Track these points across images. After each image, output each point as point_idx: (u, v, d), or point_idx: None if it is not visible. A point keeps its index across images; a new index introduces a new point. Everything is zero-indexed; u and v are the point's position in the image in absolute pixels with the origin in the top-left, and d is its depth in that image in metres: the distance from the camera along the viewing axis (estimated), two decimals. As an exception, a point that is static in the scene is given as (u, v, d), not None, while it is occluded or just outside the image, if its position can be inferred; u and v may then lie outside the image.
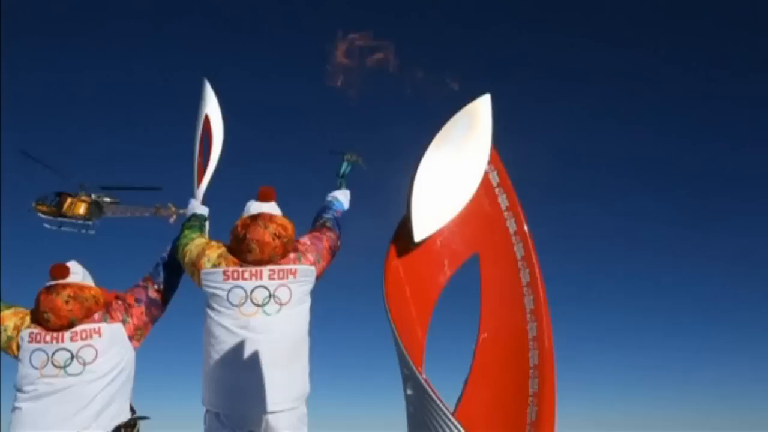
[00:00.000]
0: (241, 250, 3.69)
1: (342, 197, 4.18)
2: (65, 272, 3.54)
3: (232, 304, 3.64)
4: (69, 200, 22.52)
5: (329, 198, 4.18)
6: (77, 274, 3.58)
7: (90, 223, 22.80)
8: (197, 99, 4.25)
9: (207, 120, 4.18)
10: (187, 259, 3.79)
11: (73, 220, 22.56)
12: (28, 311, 3.57)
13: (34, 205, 22.44)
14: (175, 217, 21.74)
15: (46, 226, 22.63)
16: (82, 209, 22.64)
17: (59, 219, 22.53)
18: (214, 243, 3.86)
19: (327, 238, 3.92)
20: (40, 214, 22.48)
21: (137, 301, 3.74)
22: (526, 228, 3.59)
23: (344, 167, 4.22)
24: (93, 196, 22.85)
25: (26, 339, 3.48)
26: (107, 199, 23.10)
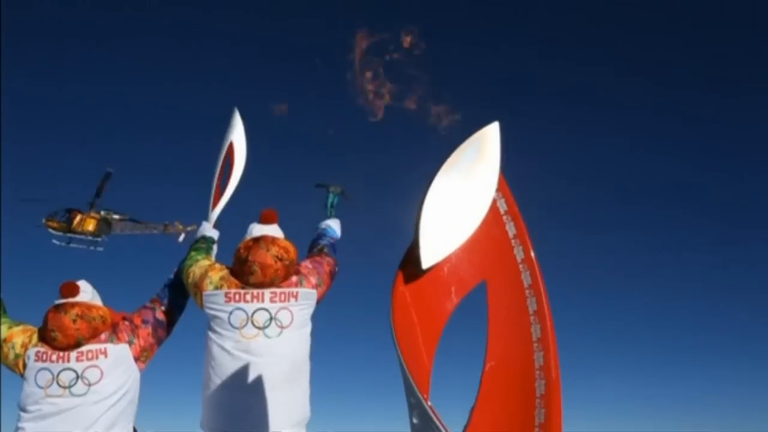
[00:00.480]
0: (243, 272, 3.69)
1: (335, 225, 4.29)
2: (75, 291, 3.54)
3: (233, 327, 3.64)
4: (79, 217, 22.97)
5: (322, 226, 4.28)
6: (86, 293, 3.58)
7: (99, 239, 23.15)
8: (225, 126, 4.31)
9: (231, 147, 4.24)
10: (190, 280, 3.80)
11: (82, 237, 22.77)
12: (36, 329, 3.57)
13: (44, 220, 22.84)
14: (183, 235, 21.88)
15: (55, 242, 23.16)
16: (91, 226, 23.08)
17: (68, 235, 22.85)
18: (217, 265, 3.87)
19: (326, 263, 3.94)
20: (50, 230, 22.70)
21: (144, 322, 3.73)
22: (533, 256, 3.58)
23: (331, 198, 4.37)
24: (102, 212, 23.04)
25: (32, 357, 3.47)
26: (116, 216, 23.43)
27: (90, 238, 23.03)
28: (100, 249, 23.30)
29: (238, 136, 4.36)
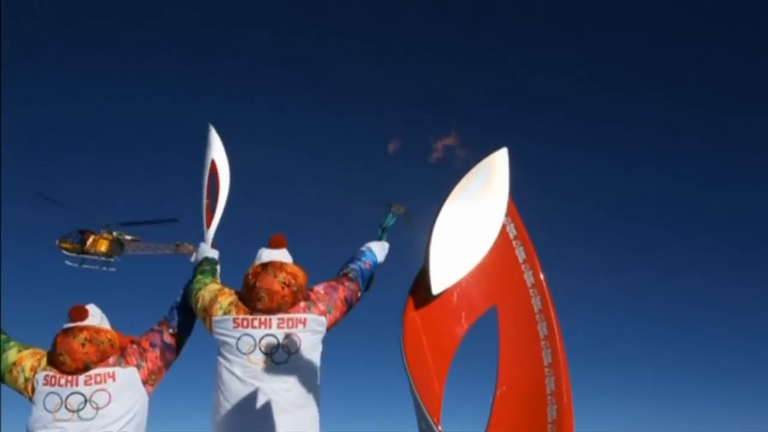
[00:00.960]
0: (251, 298, 3.70)
1: (378, 249, 4.12)
2: (84, 314, 3.56)
3: (241, 352, 3.65)
4: (91, 238, 23.29)
5: (363, 248, 4.12)
6: (95, 316, 3.60)
7: (111, 260, 23.38)
8: (204, 145, 4.32)
9: (213, 164, 4.25)
10: (199, 305, 3.81)
11: (95, 257, 22.82)
12: (45, 353, 3.59)
13: (57, 242, 23.04)
14: (195, 254, 21.99)
15: (68, 263, 23.51)
16: (103, 247, 23.35)
17: (81, 256, 22.96)
18: (226, 290, 3.87)
19: (344, 289, 3.89)
20: (64, 251, 22.82)
21: (152, 345, 3.74)
22: (543, 280, 3.57)
23: (388, 219, 4.16)
24: (115, 233, 23.18)
25: (41, 381, 3.48)
26: (128, 237, 23.67)
27: (103, 258, 23.33)
28: (112, 269, 23.71)
29: (218, 152, 4.35)
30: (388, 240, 4.17)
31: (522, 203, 3.71)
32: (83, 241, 23.27)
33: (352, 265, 4.02)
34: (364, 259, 4.07)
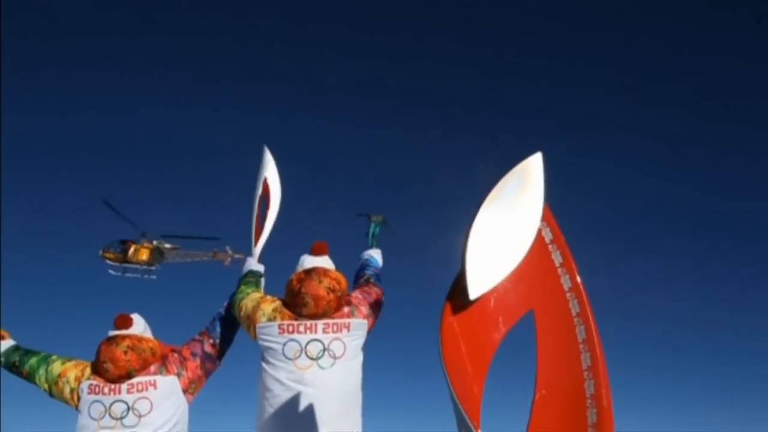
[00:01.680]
0: (296, 303, 3.78)
1: (376, 255, 4.36)
2: (128, 323, 3.69)
3: (287, 358, 3.72)
4: (133, 247, 24.22)
5: (365, 256, 4.34)
6: (139, 325, 3.73)
7: (152, 268, 23.97)
8: (257, 164, 4.45)
9: (266, 184, 4.37)
10: (242, 313, 3.90)
11: (137, 266, 23.39)
12: (88, 363, 3.73)
13: (101, 252, 23.81)
14: (230, 260, 22.45)
15: (111, 272, 24.54)
16: (144, 255, 24.20)
17: (124, 265, 23.58)
18: (269, 297, 3.97)
19: (374, 293, 4.02)
20: (107, 261, 23.50)
21: (193, 354, 3.85)
22: (580, 283, 3.54)
23: (372, 228, 4.42)
24: (155, 242, 23.74)
25: (86, 390, 3.62)
26: (168, 245, 24.12)
27: (144, 267, 24.04)
28: (153, 277, 24.48)
29: (271, 173, 4.49)
30: (378, 246, 4.41)
31: (557, 207, 3.70)
32: (125, 251, 24.13)
33: (368, 272, 4.19)
34: (371, 265, 4.26)
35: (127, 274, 23.98)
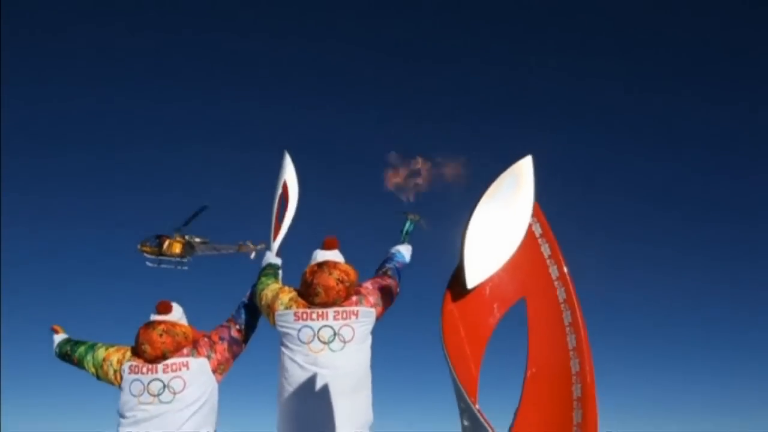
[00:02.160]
0: (309, 293, 4.10)
1: (404, 251, 4.59)
2: (168, 308, 4.07)
3: (302, 342, 4.04)
4: (167, 242, 25.96)
5: (393, 250, 4.59)
6: (177, 312, 4.09)
7: (184, 260, 26.17)
8: (277, 167, 4.77)
9: (285, 186, 4.68)
10: (263, 302, 4.24)
11: (171, 258, 25.93)
12: (128, 347, 4.10)
13: (139, 246, 25.96)
14: (254, 253, 23.79)
15: (148, 264, 26.10)
16: (177, 249, 26.12)
17: (159, 258, 25.91)
18: (286, 288, 4.30)
19: (387, 285, 4.31)
20: (144, 254, 25.95)
21: (221, 339, 4.19)
22: (567, 272, 3.82)
23: (407, 225, 4.66)
24: (186, 237, 26.17)
25: (127, 371, 3.99)
26: (197, 239, 26.47)
27: (177, 259, 25.97)
28: (185, 268, 26.28)
29: (290, 176, 4.78)
30: (410, 243, 4.65)
31: (545, 204, 3.97)
32: (160, 245, 25.87)
33: (388, 265, 4.46)
34: (396, 259, 4.51)
35: (162, 266, 25.83)
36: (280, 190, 4.76)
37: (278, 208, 4.72)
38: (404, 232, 4.68)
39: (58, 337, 4.33)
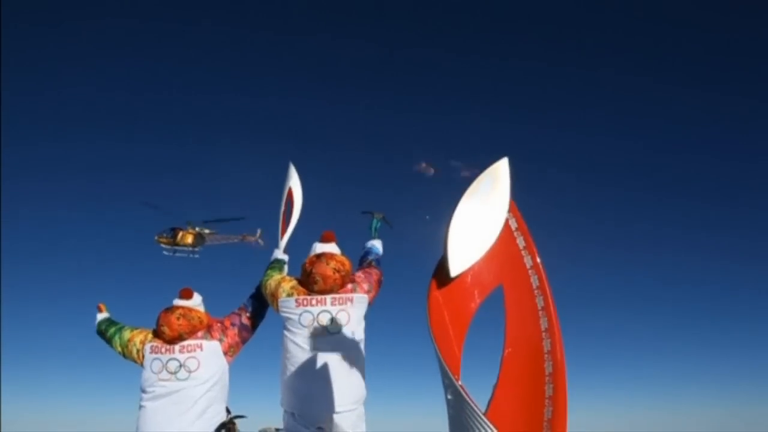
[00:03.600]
0: (309, 282, 4.46)
1: (378, 245, 5.01)
2: (190, 294, 4.47)
3: (303, 326, 4.41)
4: (180, 233, 28.61)
5: (368, 245, 5.00)
6: (197, 298, 4.49)
7: (196, 249, 28.84)
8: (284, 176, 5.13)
9: (290, 192, 5.05)
10: (268, 291, 4.60)
11: (184, 248, 28.56)
12: (150, 330, 4.50)
13: (156, 238, 28.70)
14: (254, 241, 25.58)
15: (165, 252, 28.86)
16: (189, 239, 28.76)
17: (173, 248, 28.60)
18: (287, 277, 4.67)
19: (375, 273, 4.68)
20: (161, 245, 28.66)
21: (232, 324, 4.57)
22: (539, 262, 4.12)
23: (374, 223, 5.11)
24: (197, 228, 28.76)
25: (148, 351, 4.38)
26: (207, 231, 29.02)
27: (189, 249, 28.62)
28: (196, 257, 29.04)
29: (295, 183, 5.14)
30: (379, 237, 5.09)
31: (520, 202, 4.26)
32: (174, 236, 28.57)
33: (370, 257, 4.86)
34: (373, 252, 4.92)
35: (177, 254, 28.68)
36: (285, 196, 5.15)
37: (285, 211, 5.11)
38: (373, 228, 5.13)
39: (101, 316, 4.74)
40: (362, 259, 4.98)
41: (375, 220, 5.23)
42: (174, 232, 28.89)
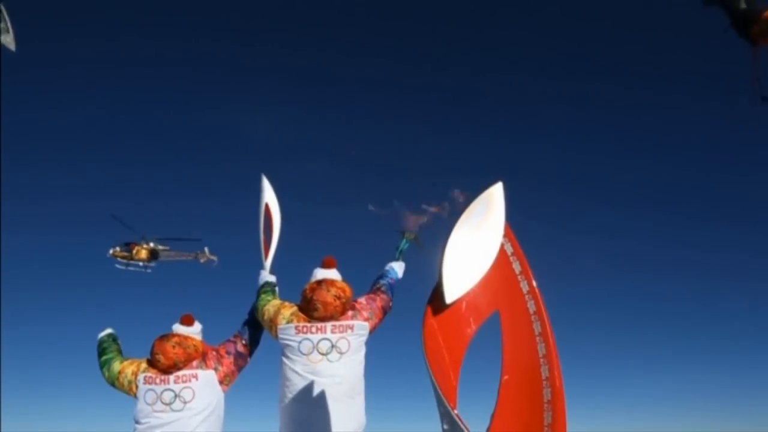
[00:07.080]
0: (309, 309, 4.36)
1: (398, 268, 4.70)
2: (191, 322, 4.39)
3: (302, 353, 4.28)
4: (135, 248, 29.29)
5: (387, 267, 4.71)
6: (197, 326, 4.45)
7: (150, 264, 29.64)
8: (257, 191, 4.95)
9: (267, 207, 4.89)
10: (266, 317, 4.50)
11: (138, 262, 29.30)
12: (143, 360, 4.45)
13: (111, 252, 29.17)
14: (205, 259, 28.67)
15: (118, 266, 29.39)
16: (144, 254, 29.42)
17: (127, 262, 29.26)
18: (287, 303, 4.55)
19: (380, 300, 4.54)
20: (116, 258, 29.21)
21: (228, 353, 4.49)
22: (536, 287, 4.08)
23: (403, 244, 4.76)
24: (152, 244, 29.58)
25: (142, 381, 4.30)
26: (161, 247, 29.86)
27: (143, 264, 29.39)
28: (149, 271, 29.80)
29: (270, 197, 4.98)
30: (404, 260, 4.77)
31: (515, 226, 4.25)
32: (130, 251, 29.34)
33: (382, 281, 4.72)
34: (389, 275, 4.72)
35: (130, 268, 29.44)
36: (263, 214, 4.99)
37: (264, 229, 4.94)
38: (399, 249, 4.81)
39: (107, 330, 4.72)
40: (375, 281, 4.86)
41: (404, 241, 4.81)
42: (129, 246, 29.70)
